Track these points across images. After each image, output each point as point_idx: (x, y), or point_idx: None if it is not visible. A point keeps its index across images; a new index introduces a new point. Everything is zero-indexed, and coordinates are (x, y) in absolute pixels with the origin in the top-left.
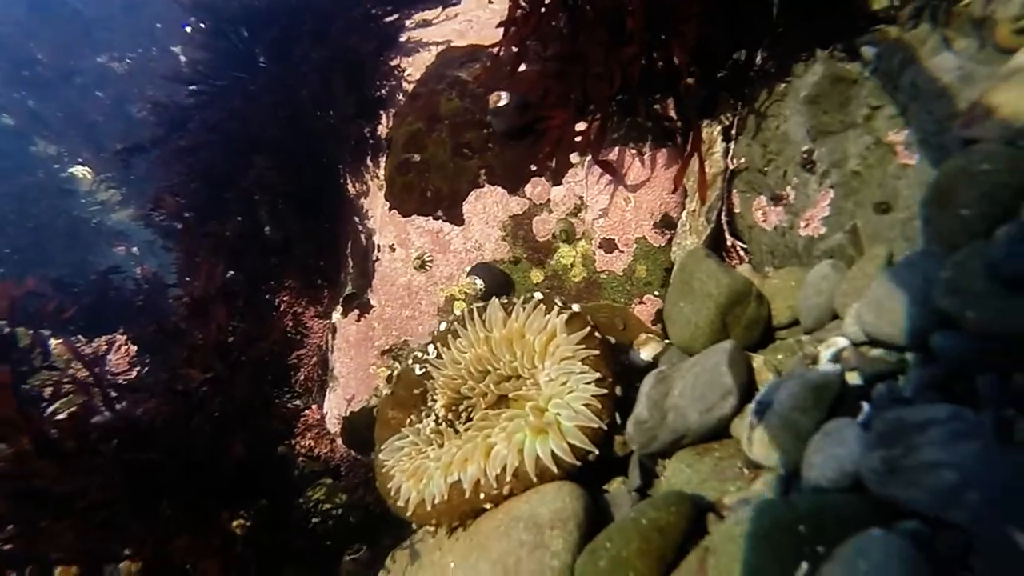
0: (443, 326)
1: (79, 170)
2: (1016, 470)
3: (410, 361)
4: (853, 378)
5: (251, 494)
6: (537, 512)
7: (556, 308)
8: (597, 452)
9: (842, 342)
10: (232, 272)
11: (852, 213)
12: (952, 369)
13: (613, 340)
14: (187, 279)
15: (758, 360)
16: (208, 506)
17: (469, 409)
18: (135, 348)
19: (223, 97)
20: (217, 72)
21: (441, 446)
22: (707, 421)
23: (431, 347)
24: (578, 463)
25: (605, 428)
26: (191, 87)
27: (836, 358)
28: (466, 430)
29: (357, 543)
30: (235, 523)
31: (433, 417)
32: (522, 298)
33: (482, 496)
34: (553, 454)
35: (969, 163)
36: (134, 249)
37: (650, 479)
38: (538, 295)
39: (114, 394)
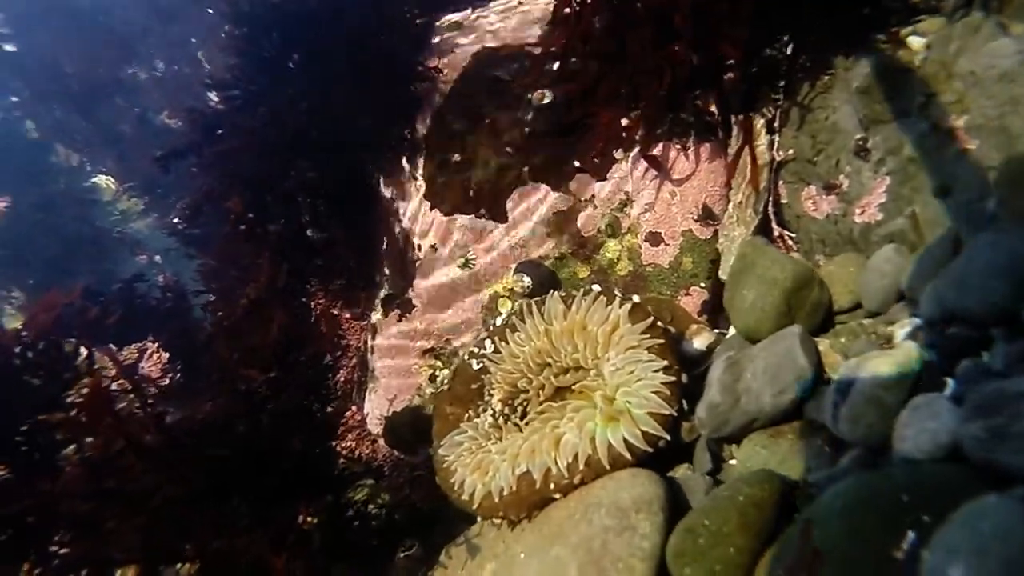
0: (499, 320)
1: (102, 180)
2: None
3: (466, 356)
4: (930, 355)
5: (314, 490)
6: (618, 497)
7: (618, 299)
8: (668, 438)
9: (915, 321)
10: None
11: (910, 199)
12: None
13: (672, 330)
14: (235, 281)
15: (823, 344)
16: (278, 502)
17: (525, 403)
18: (167, 355)
19: (257, 102)
20: (250, 77)
21: (500, 440)
22: (781, 403)
23: (488, 342)
24: (650, 449)
25: (675, 414)
26: (225, 92)
27: (912, 336)
28: (526, 423)
29: (408, 540)
30: (307, 519)
31: (491, 412)
32: (582, 291)
33: (552, 486)
34: (626, 441)
35: None
36: (156, 257)
37: (719, 463)
38: (596, 287)
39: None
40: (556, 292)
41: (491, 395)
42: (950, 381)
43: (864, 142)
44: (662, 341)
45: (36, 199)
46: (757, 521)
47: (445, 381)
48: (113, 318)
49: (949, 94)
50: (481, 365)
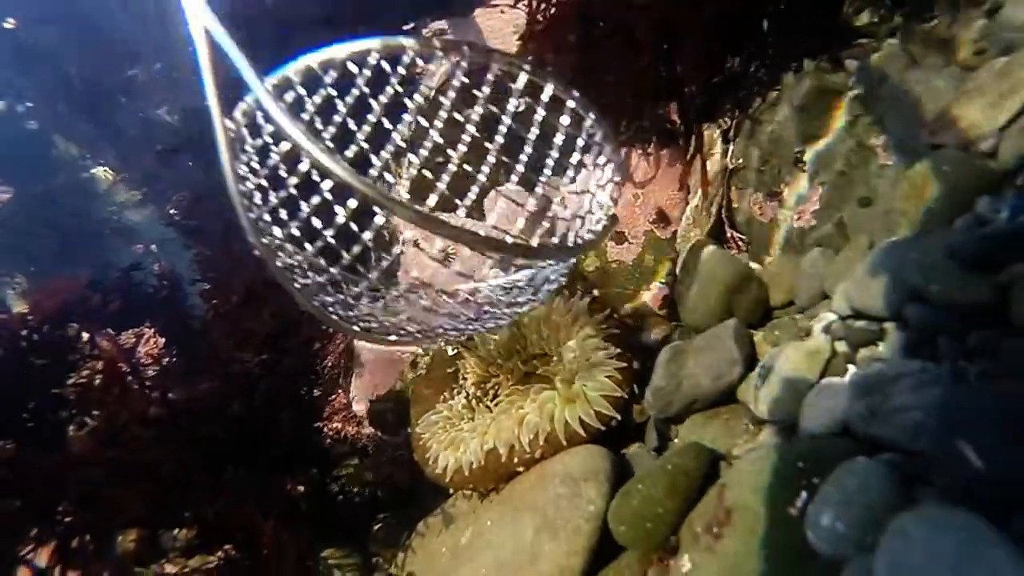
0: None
1: (100, 171)
2: (967, 406)
3: (442, 343)
4: (841, 346)
5: (301, 464)
6: (570, 469)
7: (579, 293)
8: (618, 417)
9: (831, 316)
10: None
11: (839, 207)
12: (920, 334)
13: (629, 322)
14: (229, 271)
15: (758, 336)
16: (269, 473)
17: (496, 386)
18: (163, 340)
19: None
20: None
21: (472, 420)
22: (717, 387)
23: None
24: (602, 427)
25: (626, 396)
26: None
27: (826, 329)
28: (496, 404)
29: (385, 514)
30: (295, 488)
31: (464, 394)
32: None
33: (516, 460)
34: (581, 420)
35: (935, 165)
36: (152, 247)
37: (665, 441)
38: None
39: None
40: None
41: (465, 379)
42: (852, 368)
43: (801, 155)
44: (617, 331)
45: (37, 190)
46: (683, 486)
47: (425, 366)
48: (114, 306)
49: (872, 115)
50: (456, 351)
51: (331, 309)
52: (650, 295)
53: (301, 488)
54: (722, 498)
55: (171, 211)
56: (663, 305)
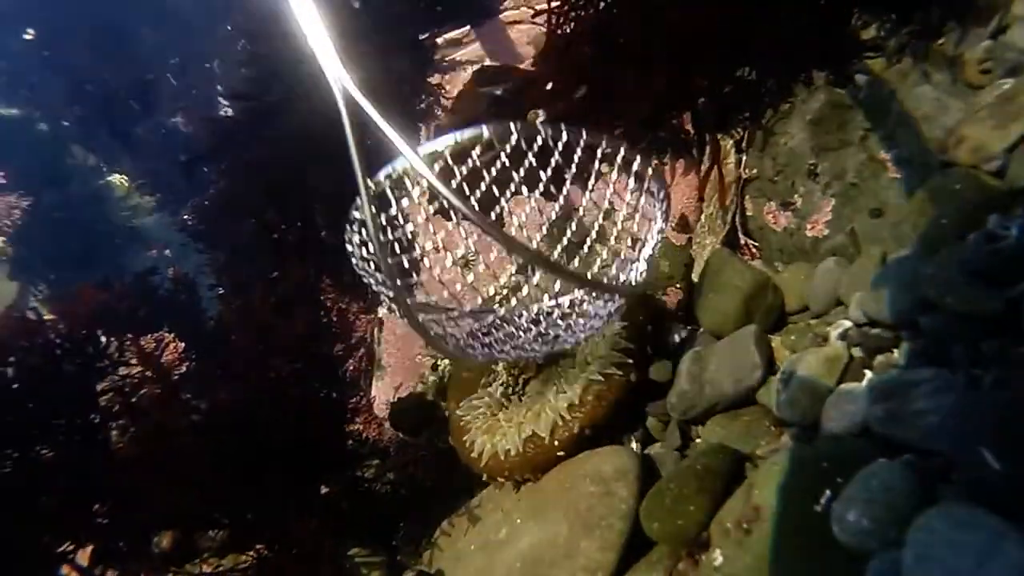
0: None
1: (116, 178)
2: (982, 411)
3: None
4: (857, 352)
5: (335, 466)
6: (600, 469)
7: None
8: (620, 374)
9: (847, 324)
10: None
11: (850, 218)
12: (934, 342)
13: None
14: (248, 276)
15: (776, 340)
16: (303, 476)
17: (522, 375)
18: (182, 345)
19: (272, 112)
20: (266, 89)
21: (508, 408)
22: (739, 390)
23: None
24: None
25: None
26: (241, 103)
27: (843, 336)
28: (525, 395)
29: (410, 513)
30: (331, 489)
31: (500, 381)
32: None
33: (557, 443)
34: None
35: (946, 182)
36: (167, 252)
37: (687, 441)
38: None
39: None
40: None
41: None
42: (868, 373)
43: (815, 167)
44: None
45: (55, 199)
46: (712, 485)
47: (447, 370)
48: (141, 312)
49: (883, 129)
50: None
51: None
52: (667, 299)
53: (337, 490)
54: (750, 496)
55: (185, 217)
56: (679, 308)
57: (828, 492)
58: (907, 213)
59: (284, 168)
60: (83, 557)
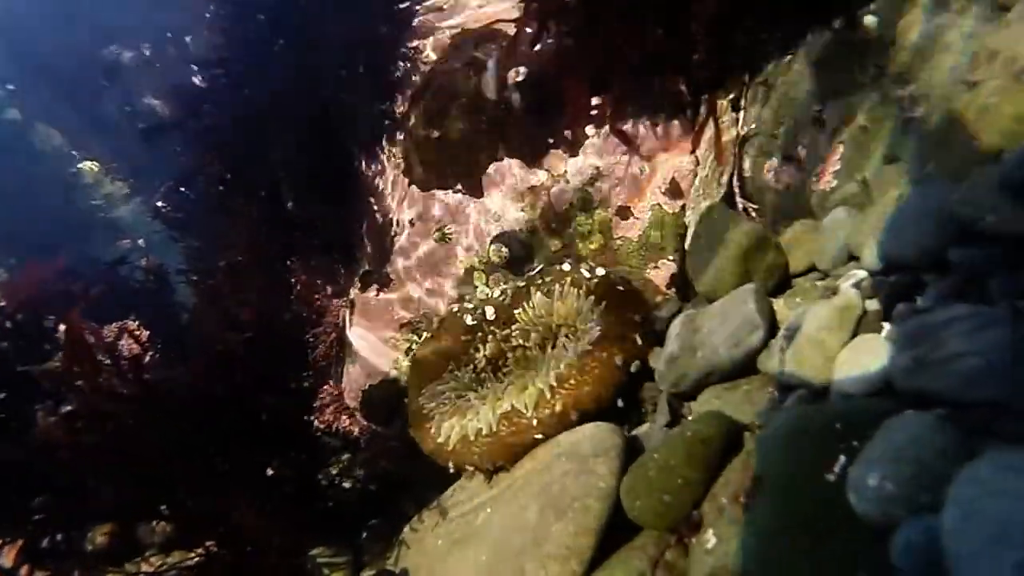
0: (498, 292)
1: (86, 164)
2: None
3: (457, 309)
4: (872, 305)
5: (288, 449)
6: (577, 446)
7: (584, 287)
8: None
9: (861, 273)
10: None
11: (860, 166)
12: (968, 277)
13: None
14: (225, 247)
15: (778, 303)
16: (252, 456)
17: (506, 360)
18: (148, 333)
19: (242, 81)
20: (236, 57)
21: (481, 391)
22: (736, 355)
23: (488, 308)
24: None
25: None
26: (210, 71)
27: (856, 287)
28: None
29: (377, 509)
30: (278, 471)
31: (473, 366)
32: (558, 286)
33: (536, 421)
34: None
35: (975, 99)
36: (140, 241)
37: (677, 418)
38: (567, 264)
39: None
40: (539, 292)
41: (477, 350)
42: (887, 325)
43: (820, 113)
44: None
45: (20, 182)
46: (704, 455)
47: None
48: (95, 292)
49: (897, 66)
50: (476, 323)
51: None
52: (657, 274)
53: (285, 471)
54: (750, 466)
55: (158, 203)
56: (671, 284)
57: (843, 458)
58: (930, 145)
59: (250, 138)
60: (8, 556)
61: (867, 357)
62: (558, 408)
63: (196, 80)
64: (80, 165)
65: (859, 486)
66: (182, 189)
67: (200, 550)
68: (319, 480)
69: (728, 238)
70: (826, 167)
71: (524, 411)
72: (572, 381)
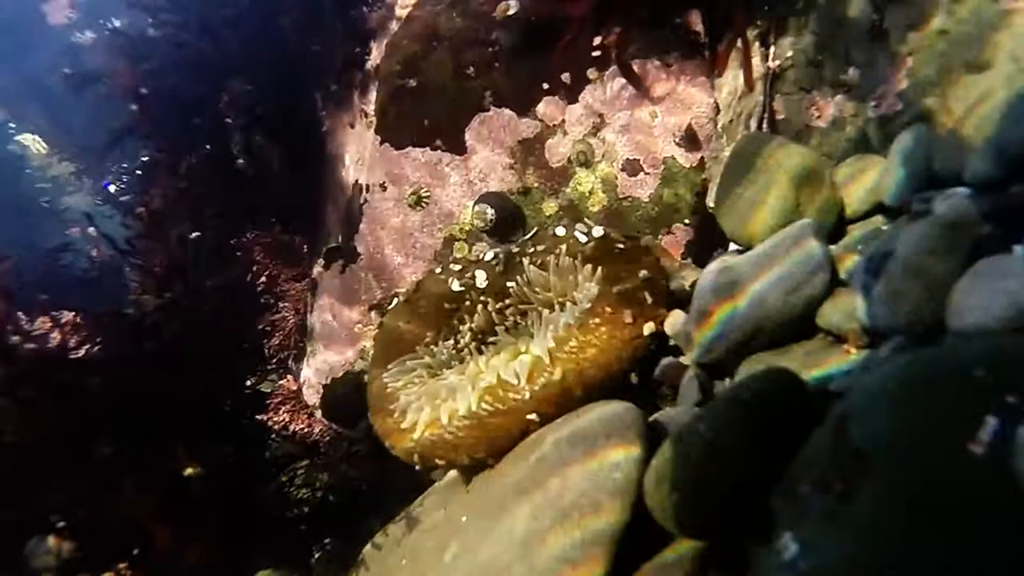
0: (490, 255)
1: (29, 139)
2: None
3: (440, 271)
4: (985, 230)
5: (213, 438)
6: (582, 427)
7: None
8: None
9: (961, 190)
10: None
11: (937, 80)
12: None
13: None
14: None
15: (837, 249)
16: (157, 447)
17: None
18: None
19: (187, 23)
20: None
21: (461, 368)
22: (794, 304)
23: (480, 272)
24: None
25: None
26: (149, 12)
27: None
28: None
29: (335, 524)
30: (190, 470)
31: (455, 339)
32: (552, 257)
33: (529, 395)
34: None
35: None
36: (90, 230)
37: (708, 397)
38: (562, 228)
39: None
40: (532, 266)
41: (462, 323)
42: (1017, 247)
43: (879, 23)
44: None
45: None
46: (769, 425)
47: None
48: (28, 279)
49: None
50: (463, 288)
51: None
52: (672, 240)
53: (196, 467)
54: (842, 436)
55: (106, 185)
56: (687, 254)
57: (992, 420)
58: None
59: (195, 88)
60: None
61: (1005, 282)
62: (557, 376)
63: (131, 22)
64: (21, 138)
65: None
66: (119, 140)
67: (111, 574)
68: (265, 488)
69: (774, 164)
70: (888, 88)
71: (515, 382)
72: (573, 343)
